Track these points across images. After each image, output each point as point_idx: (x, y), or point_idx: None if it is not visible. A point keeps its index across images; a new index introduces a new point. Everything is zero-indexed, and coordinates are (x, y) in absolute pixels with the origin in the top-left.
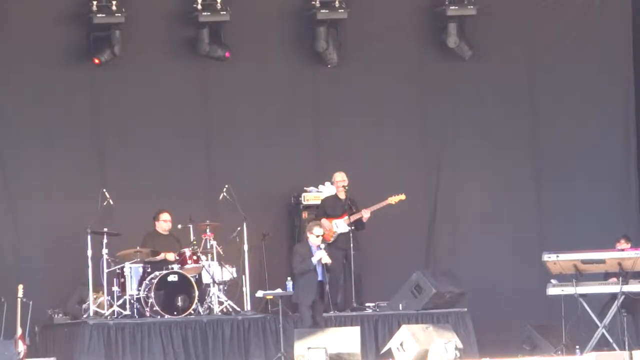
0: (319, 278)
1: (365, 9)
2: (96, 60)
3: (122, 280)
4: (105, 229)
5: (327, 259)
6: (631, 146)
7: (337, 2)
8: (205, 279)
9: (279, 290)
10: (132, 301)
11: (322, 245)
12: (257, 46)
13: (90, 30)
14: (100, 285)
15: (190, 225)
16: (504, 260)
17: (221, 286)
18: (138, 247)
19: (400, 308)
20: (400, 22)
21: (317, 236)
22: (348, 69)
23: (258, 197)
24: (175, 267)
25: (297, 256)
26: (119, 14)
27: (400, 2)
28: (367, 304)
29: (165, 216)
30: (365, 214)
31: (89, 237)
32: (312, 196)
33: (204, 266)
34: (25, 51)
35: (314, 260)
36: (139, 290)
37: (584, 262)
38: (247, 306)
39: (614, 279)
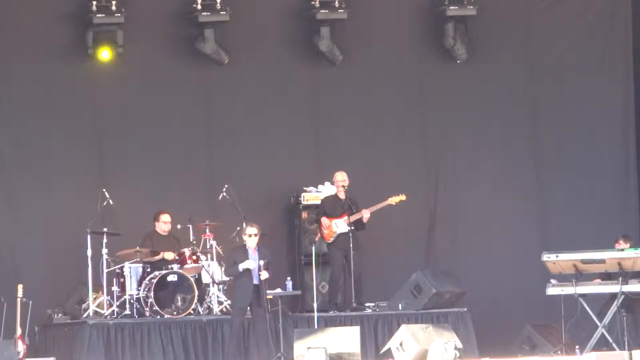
0: (254, 282)
1: (365, 9)
2: (106, 54)
3: (122, 280)
4: (105, 229)
5: (249, 265)
6: (631, 146)
7: (337, 2)
8: (205, 279)
9: (278, 290)
10: (131, 301)
11: (262, 262)
12: (257, 46)
13: (91, 30)
14: (99, 285)
15: (190, 225)
16: (504, 260)
17: (221, 286)
18: (138, 247)
19: (400, 308)
20: (400, 22)
21: (250, 236)
22: (348, 69)
23: (258, 197)
24: (175, 267)
25: (230, 258)
26: (119, 14)
27: (400, 2)
28: (366, 304)
29: (165, 217)
30: (365, 214)
31: (88, 237)
32: (312, 196)
33: (203, 266)
34: (25, 51)
35: (241, 267)
36: (138, 290)
37: (584, 262)
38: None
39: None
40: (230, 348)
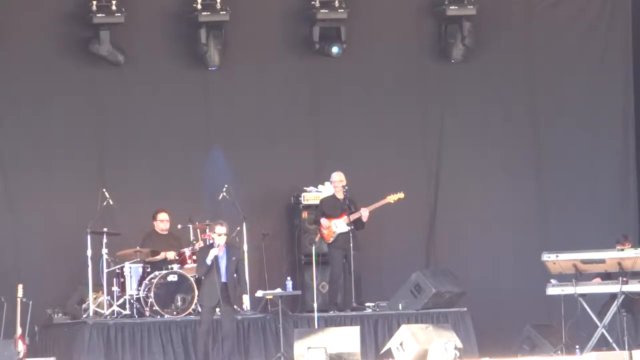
0: (223, 280)
1: (365, 9)
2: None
3: (122, 280)
4: (105, 229)
5: (214, 252)
6: (631, 146)
7: (337, 2)
8: None
9: (278, 290)
10: (131, 301)
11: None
12: (257, 46)
13: (96, 30)
14: (99, 285)
15: (190, 225)
16: (504, 260)
17: None
18: (138, 247)
19: (400, 308)
20: (399, 22)
21: (220, 235)
22: (348, 68)
23: (258, 197)
24: (175, 266)
25: (199, 258)
26: (119, 14)
27: (400, 2)
28: (366, 304)
29: (162, 216)
30: (364, 213)
31: (88, 237)
32: (312, 196)
33: None
34: (25, 51)
35: (208, 261)
36: (138, 290)
37: (584, 262)
38: (247, 306)
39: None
40: (198, 350)
